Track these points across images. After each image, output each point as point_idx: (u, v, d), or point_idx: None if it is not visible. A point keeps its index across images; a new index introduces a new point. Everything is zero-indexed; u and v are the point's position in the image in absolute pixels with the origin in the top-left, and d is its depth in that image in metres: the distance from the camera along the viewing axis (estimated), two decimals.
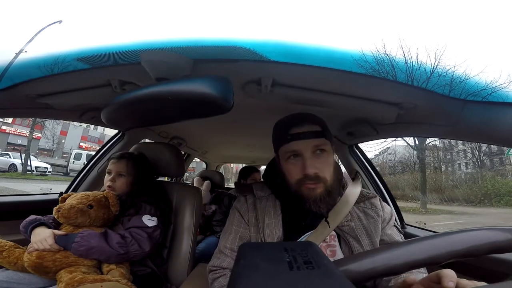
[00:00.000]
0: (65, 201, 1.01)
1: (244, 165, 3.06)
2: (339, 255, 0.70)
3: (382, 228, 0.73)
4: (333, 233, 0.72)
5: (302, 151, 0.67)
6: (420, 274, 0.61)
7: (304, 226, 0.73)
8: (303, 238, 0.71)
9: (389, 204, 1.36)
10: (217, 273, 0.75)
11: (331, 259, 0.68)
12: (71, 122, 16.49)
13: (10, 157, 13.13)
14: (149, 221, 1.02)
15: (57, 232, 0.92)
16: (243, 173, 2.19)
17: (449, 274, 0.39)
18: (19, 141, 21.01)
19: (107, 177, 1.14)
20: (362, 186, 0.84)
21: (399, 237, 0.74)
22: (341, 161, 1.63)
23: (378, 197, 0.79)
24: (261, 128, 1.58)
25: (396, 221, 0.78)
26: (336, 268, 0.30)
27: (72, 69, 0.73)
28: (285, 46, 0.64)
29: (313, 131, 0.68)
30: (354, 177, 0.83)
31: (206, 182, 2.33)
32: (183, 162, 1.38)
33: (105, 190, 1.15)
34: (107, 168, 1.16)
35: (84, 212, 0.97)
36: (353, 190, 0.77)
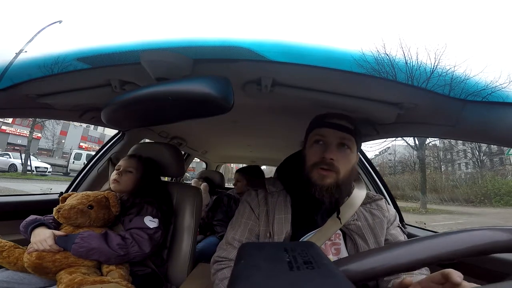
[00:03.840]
0: (65, 201, 1.01)
1: (243, 165, 3.06)
2: (344, 253, 0.70)
3: (387, 228, 0.74)
4: (338, 231, 0.72)
5: (329, 139, 0.72)
6: (420, 275, 0.61)
7: (313, 223, 0.73)
8: (310, 234, 0.72)
9: (389, 204, 1.37)
10: (222, 264, 0.75)
11: (336, 257, 0.68)
12: (71, 122, 16.49)
13: (10, 157, 13.13)
14: (150, 222, 1.02)
15: (57, 232, 0.92)
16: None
17: (456, 271, 0.40)
18: (19, 141, 21.01)
19: (114, 173, 1.15)
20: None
21: (402, 237, 0.75)
22: None
23: (383, 199, 0.81)
24: (261, 128, 1.58)
25: (399, 222, 0.79)
26: (336, 268, 0.30)
27: (72, 69, 0.73)
28: (285, 46, 0.64)
29: (345, 126, 0.72)
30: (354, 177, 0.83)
31: (204, 184, 2.32)
32: (183, 162, 1.38)
33: (106, 189, 1.15)
34: (116, 165, 1.18)
35: (84, 213, 0.97)
36: (359, 192, 0.78)
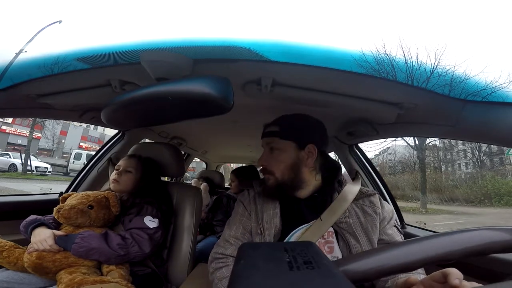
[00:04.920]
0: (65, 201, 1.01)
1: (243, 165, 3.06)
2: (337, 251, 0.70)
3: (383, 228, 0.73)
4: (331, 229, 0.72)
5: (264, 147, 0.83)
6: (418, 275, 0.61)
7: (302, 218, 0.74)
8: (300, 229, 0.73)
9: (388, 202, 1.36)
10: (220, 262, 0.77)
11: (329, 256, 0.69)
12: (71, 122, 16.48)
13: (10, 157, 13.12)
14: (150, 222, 1.02)
15: (57, 232, 0.92)
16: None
17: (455, 272, 0.40)
18: (19, 141, 21.01)
19: (113, 173, 1.15)
20: (362, 186, 0.84)
21: (399, 237, 0.74)
22: (341, 161, 1.63)
23: (377, 194, 0.79)
24: (261, 128, 1.58)
25: (396, 221, 0.78)
26: (336, 268, 0.30)
27: (72, 69, 0.73)
28: (285, 46, 0.64)
29: (270, 131, 0.81)
30: (354, 177, 0.83)
31: (204, 184, 2.32)
32: (183, 162, 1.38)
33: (106, 189, 1.15)
34: (116, 165, 1.18)
35: (84, 213, 0.97)
36: (352, 188, 0.78)
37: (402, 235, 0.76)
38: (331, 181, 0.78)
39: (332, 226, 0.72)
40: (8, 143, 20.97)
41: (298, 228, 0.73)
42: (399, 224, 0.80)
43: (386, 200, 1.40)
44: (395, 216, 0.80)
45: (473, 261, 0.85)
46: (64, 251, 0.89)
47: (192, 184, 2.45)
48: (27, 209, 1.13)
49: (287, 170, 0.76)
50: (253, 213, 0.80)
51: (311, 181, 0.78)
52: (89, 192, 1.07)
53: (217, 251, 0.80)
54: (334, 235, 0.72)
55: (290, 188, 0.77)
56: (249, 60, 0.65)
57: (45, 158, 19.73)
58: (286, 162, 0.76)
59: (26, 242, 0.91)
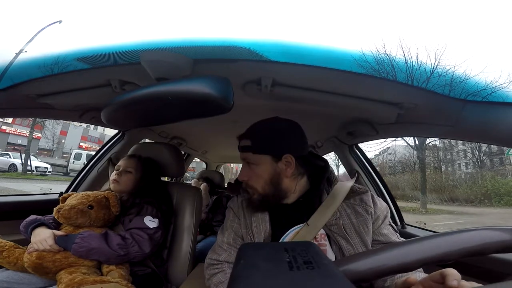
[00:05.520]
0: (65, 201, 1.01)
1: None
2: (330, 254, 0.69)
3: (377, 228, 0.71)
4: (323, 232, 0.71)
5: (242, 161, 0.80)
6: (417, 273, 0.61)
7: (292, 222, 0.73)
8: (289, 233, 0.72)
9: (388, 204, 1.36)
10: (215, 268, 0.78)
11: None
12: (71, 122, 16.48)
13: (10, 157, 13.12)
14: (150, 222, 1.02)
15: (57, 232, 0.92)
16: None
17: (453, 273, 0.40)
18: (19, 141, 21.01)
19: (113, 173, 1.15)
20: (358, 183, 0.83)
21: (395, 237, 0.72)
22: (341, 161, 1.63)
23: (369, 192, 0.76)
24: None
25: (392, 219, 0.76)
26: (336, 268, 0.30)
27: (72, 69, 0.73)
28: (285, 46, 0.64)
29: (243, 145, 0.78)
30: (354, 177, 0.83)
31: (204, 185, 2.32)
32: (183, 162, 1.38)
33: (106, 190, 1.15)
34: (116, 165, 1.18)
35: (84, 213, 0.97)
36: (342, 186, 0.76)
37: (398, 234, 0.74)
38: (318, 183, 0.76)
39: (323, 229, 0.71)
40: (8, 143, 20.96)
41: (288, 232, 0.72)
42: (398, 224, 0.80)
43: (386, 200, 1.40)
44: (389, 213, 0.77)
45: (473, 261, 0.85)
46: (64, 251, 0.89)
47: (192, 184, 2.44)
48: (27, 209, 1.13)
49: (267, 185, 0.74)
50: (242, 218, 0.80)
51: (296, 187, 0.76)
52: (89, 192, 1.07)
53: (211, 257, 0.81)
54: (326, 238, 0.71)
55: (274, 199, 0.75)
56: (249, 60, 0.65)
57: (45, 158, 19.72)
58: (265, 177, 0.74)
59: (26, 242, 0.91)
